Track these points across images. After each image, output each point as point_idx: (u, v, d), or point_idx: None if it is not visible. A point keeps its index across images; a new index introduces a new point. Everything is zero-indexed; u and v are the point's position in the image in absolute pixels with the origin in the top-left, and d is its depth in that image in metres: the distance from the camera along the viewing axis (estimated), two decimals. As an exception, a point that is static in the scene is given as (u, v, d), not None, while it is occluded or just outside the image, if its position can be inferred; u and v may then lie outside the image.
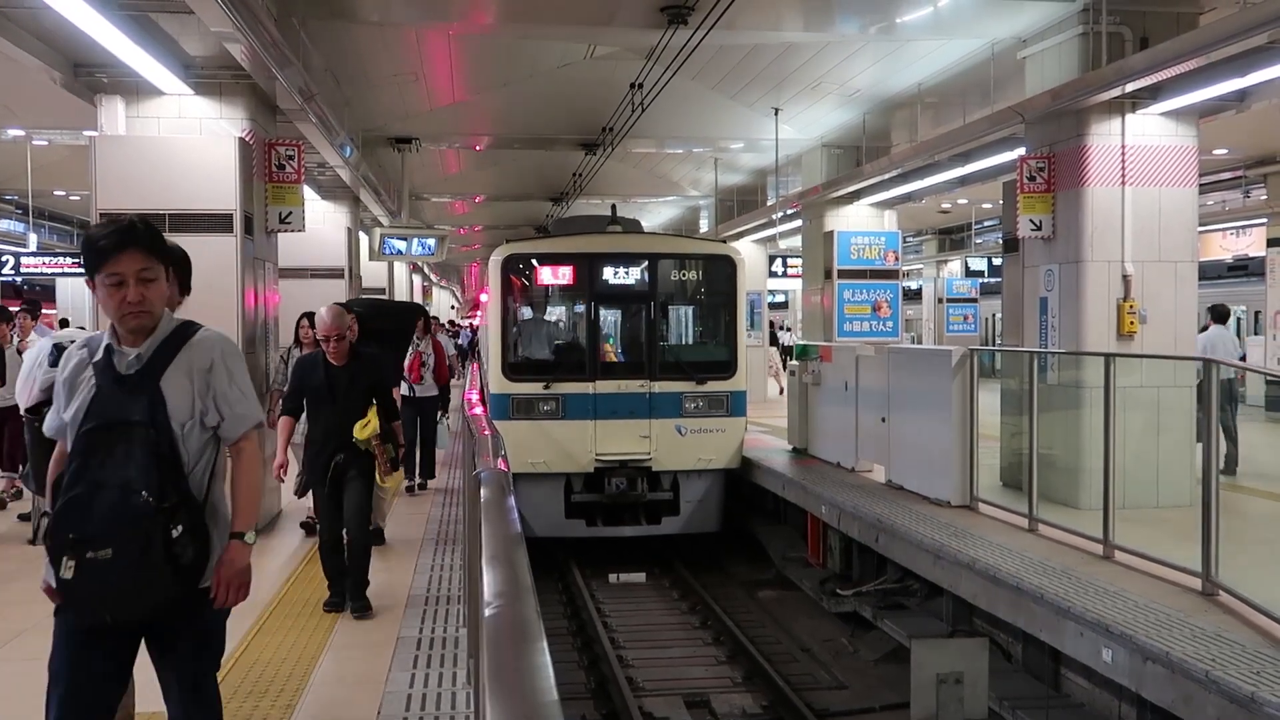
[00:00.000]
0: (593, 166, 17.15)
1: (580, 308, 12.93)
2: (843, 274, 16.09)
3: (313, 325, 8.90)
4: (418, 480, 11.54)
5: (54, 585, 3.09)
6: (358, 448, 6.52)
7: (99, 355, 3.22)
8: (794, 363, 13.53)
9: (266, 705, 5.06)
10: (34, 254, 22.46)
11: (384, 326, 8.30)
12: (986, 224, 27.29)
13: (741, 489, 12.98)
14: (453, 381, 15.86)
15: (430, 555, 8.27)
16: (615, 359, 12.98)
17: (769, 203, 19.16)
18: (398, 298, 23.42)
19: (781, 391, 19.03)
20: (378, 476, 6.65)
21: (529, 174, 21.39)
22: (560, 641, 9.75)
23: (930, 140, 12.94)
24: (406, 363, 11.05)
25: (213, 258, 8.96)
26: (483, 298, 27.95)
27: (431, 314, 16.28)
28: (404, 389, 11.06)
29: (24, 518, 9.23)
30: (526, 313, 13.22)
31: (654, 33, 10.13)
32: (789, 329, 21.57)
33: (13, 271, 22.36)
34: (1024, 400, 9.01)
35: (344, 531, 6.62)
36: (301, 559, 8.20)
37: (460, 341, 31.41)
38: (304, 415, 7.32)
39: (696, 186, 22.85)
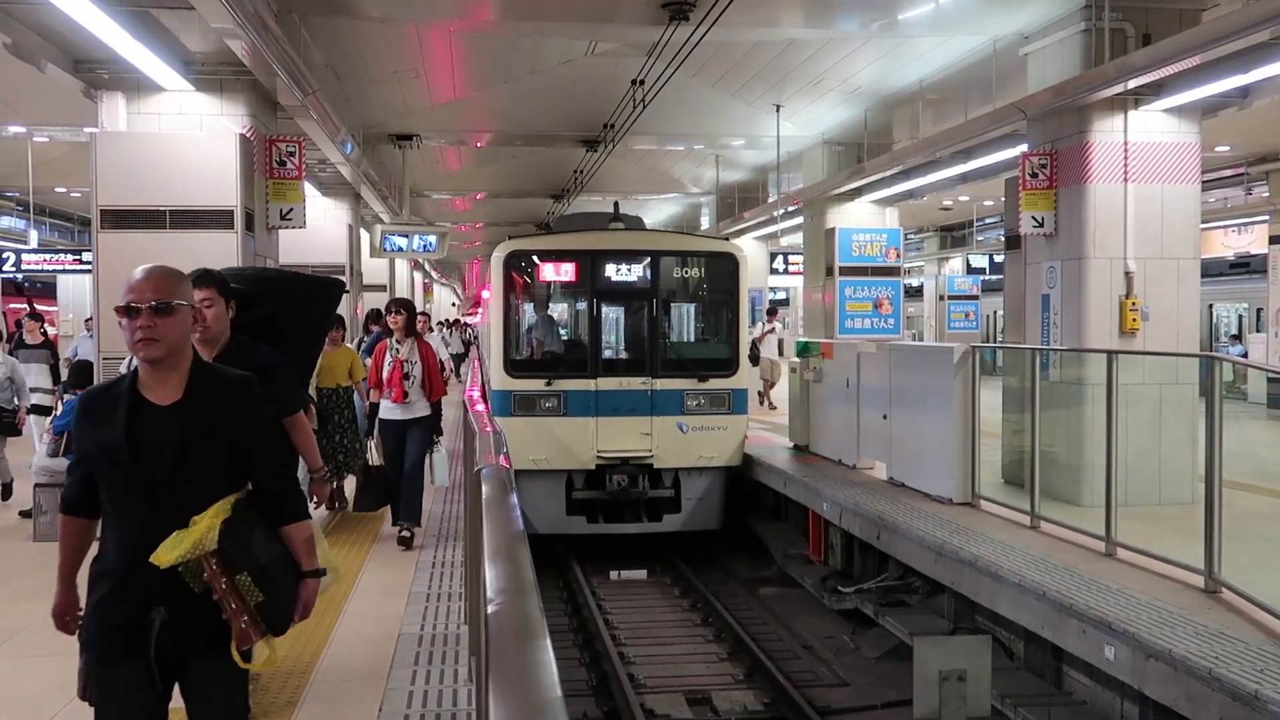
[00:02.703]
0: (594, 163, 17.15)
1: (582, 305, 12.92)
2: (844, 271, 16.08)
3: (131, 312, 3.65)
4: (401, 529, 8.56)
5: None
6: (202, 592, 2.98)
7: None
8: (794, 360, 13.52)
9: (268, 702, 5.05)
10: (35, 251, 22.48)
11: (284, 318, 4.91)
12: (988, 221, 27.29)
13: (743, 486, 12.97)
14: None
15: (431, 552, 8.27)
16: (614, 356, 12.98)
17: (770, 200, 19.16)
18: (400, 295, 22.94)
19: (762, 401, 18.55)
20: (233, 650, 3.04)
21: (530, 171, 21.39)
22: (561, 638, 9.74)
23: (932, 137, 12.93)
24: (386, 374, 8.62)
25: (214, 254, 8.95)
26: (484, 295, 27.95)
27: (421, 308, 14.09)
28: (384, 406, 8.72)
29: (25, 514, 9.24)
30: (528, 310, 13.22)
31: (655, 29, 10.12)
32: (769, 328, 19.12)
33: (14, 268, 22.40)
34: (1026, 398, 9.01)
35: None
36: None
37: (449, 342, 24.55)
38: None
39: (698, 183, 22.84)
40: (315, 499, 5.06)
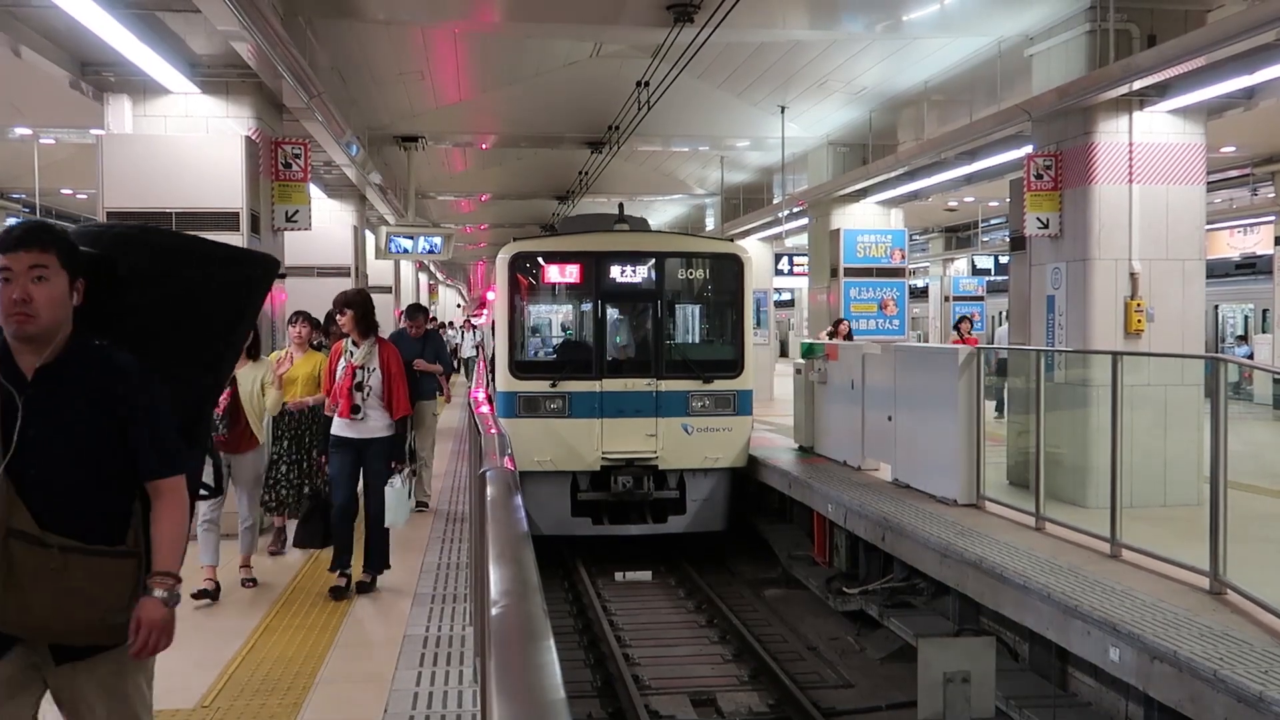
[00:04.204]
0: (599, 165, 17.16)
1: (587, 306, 12.93)
2: (849, 272, 16.10)
3: None
4: (360, 576, 7.11)
5: None
6: None
7: None
8: (799, 361, 13.53)
9: (274, 703, 5.07)
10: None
11: (171, 308, 2.97)
12: (993, 222, 27.25)
13: (748, 487, 12.97)
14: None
15: (436, 554, 8.28)
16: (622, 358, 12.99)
17: (775, 201, 19.15)
18: (405, 298, 23.06)
19: None
20: None
21: (535, 172, 21.40)
22: (566, 640, 9.75)
23: (937, 138, 12.92)
24: (337, 385, 7.02)
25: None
26: (489, 296, 27.97)
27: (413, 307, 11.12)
28: (335, 421, 7.07)
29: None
30: (533, 311, 13.23)
31: (660, 31, 10.13)
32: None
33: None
34: (1030, 399, 9.01)
35: None
36: (307, 558, 8.20)
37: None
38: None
39: (702, 185, 22.85)
40: (138, 636, 2.68)
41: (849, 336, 14.23)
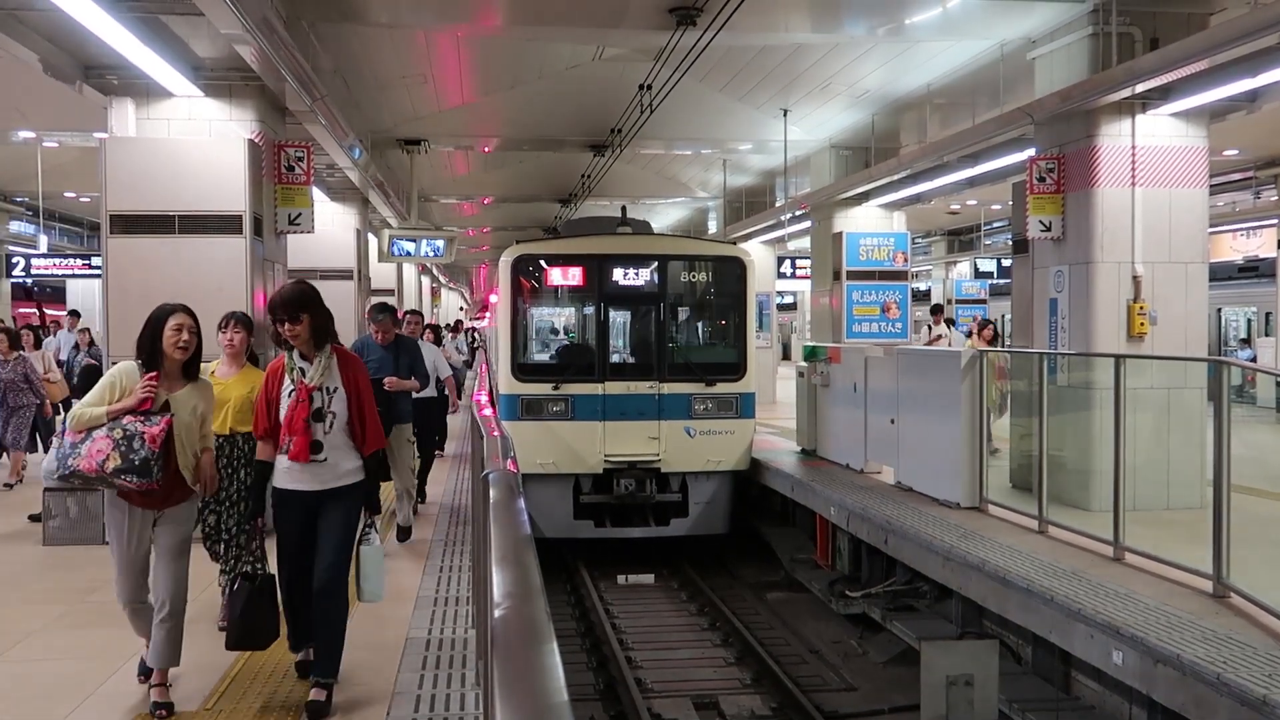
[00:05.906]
0: (601, 168, 17.18)
1: (589, 309, 12.94)
2: (851, 275, 16.08)
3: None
4: (313, 682, 5.06)
5: None
6: None
7: None
8: (802, 364, 13.53)
9: (277, 706, 5.07)
10: (45, 255, 22.62)
11: None
12: (996, 225, 27.26)
13: (750, 490, 12.97)
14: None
15: (438, 556, 8.28)
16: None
17: (777, 204, 19.16)
18: (407, 302, 23.00)
19: None
20: None
21: (538, 175, 21.43)
22: (568, 643, 9.74)
23: (939, 141, 12.93)
24: (285, 416, 4.97)
25: (222, 259, 9.03)
26: (492, 299, 27.98)
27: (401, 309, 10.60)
28: (281, 468, 5.06)
29: (34, 518, 9.26)
30: (536, 314, 13.25)
31: (662, 34, 10.14)
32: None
33: (24, 273, 22.56)
34: (1034, 402, 9.01)
35: None
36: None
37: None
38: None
39: (705, 188, 22.87)
40: None
41: (994, 341, 13.48)
